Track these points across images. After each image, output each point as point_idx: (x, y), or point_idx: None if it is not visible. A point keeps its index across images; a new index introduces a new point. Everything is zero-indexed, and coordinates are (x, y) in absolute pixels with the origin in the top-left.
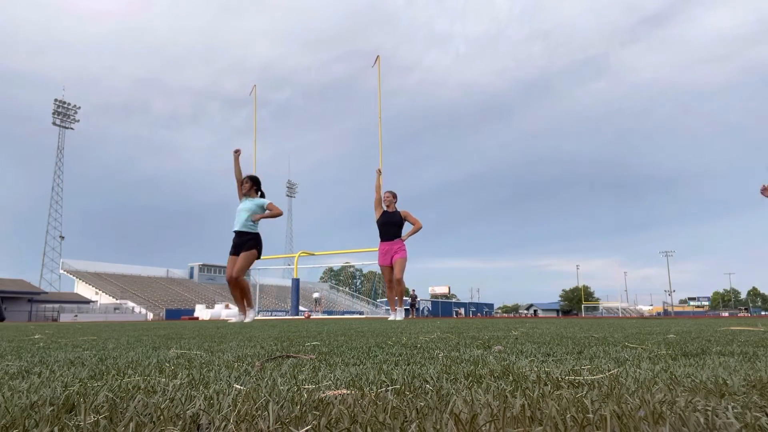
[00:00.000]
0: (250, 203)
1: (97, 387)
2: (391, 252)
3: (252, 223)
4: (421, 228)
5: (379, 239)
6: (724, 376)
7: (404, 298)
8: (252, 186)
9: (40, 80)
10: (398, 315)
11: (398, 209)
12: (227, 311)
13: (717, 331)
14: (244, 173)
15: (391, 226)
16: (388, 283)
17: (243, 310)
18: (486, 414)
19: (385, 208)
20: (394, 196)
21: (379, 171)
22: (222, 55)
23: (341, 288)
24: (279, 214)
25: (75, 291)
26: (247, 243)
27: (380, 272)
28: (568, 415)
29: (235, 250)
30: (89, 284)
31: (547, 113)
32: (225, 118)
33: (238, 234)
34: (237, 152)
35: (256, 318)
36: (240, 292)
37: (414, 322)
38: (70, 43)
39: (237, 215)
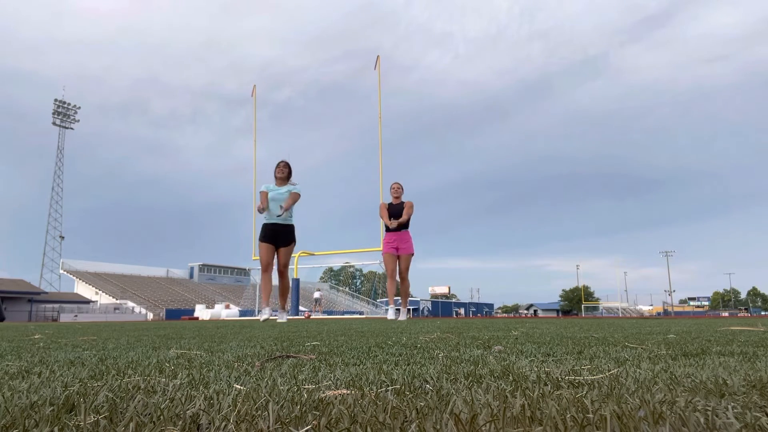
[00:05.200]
0: (285, 191)
1: (97, 387)
2: (398, 243)
3: (285, 214)
4: (406, 220)
5: (384, 230)
6: (724, 376)
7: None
8: (289, 173)
9: (40, 80)
10: (402, 315)
11: (403, 200)
12: (227, 311)
13: (717, 331)
14: (244, 173)
15: (398, 217)
16: (390, 273)
17: (266, 302)
18: (486, 414)
19: (392, 200)
20: (401, 187)
21: (388, 225)
22: (221, 55)
23: (341, 288)
24: (296, 199)
25: (75, 291)
26: (292, 237)
27: (380, 273)
28: (568, 415)
29: (276, 239)
30: (89, 284)
31: (546, 113)
32: (224, 117)
33: (281, 224)
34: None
35: (254, 318)
36: (284, 287)
37: (414, 322)
38: (71, 43)
39: (271, 203)
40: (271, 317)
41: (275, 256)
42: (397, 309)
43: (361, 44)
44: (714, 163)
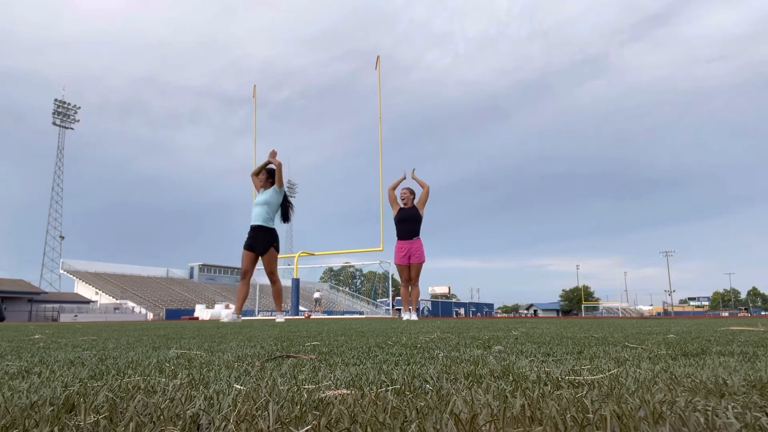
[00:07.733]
0: (264, 196)
1: (97, 387)
2: (410, 252)
3: (271, 219)
4: (428, 189)
5: (396, 237)
6: (724, 376)
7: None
8: (268, 178)
9: (40, 80)
10: (412, 315)
11: (414, 205)
12: (227, 311)
13: (717, 331)
14: (244, 173)
15: (408, 222)
16: (404, 283)
17: (239, 310)
18: (486, 414)
19: (401, 205)
20: (411, 192)
21: (406, 177)
22: (221, 54)
23: (341, 288)
24: (279, 165)
25: (75, 291)
26: (269, 242)
27: (380, 272)
28: (568, 415)
29: (253, 247)
30: (89, 284)
31: (546, 113)
32: (224, 117)
33: (256, 228)
34: (273, 153)
35: (255, 318)
36: (276, 292)
37: (415, 322)
38: (70, 43)
39: (253, 209)
40: (232, 321)
41: (256, 264)
42: (408, 309)
43: (361, 44)
44: (714, 163)
